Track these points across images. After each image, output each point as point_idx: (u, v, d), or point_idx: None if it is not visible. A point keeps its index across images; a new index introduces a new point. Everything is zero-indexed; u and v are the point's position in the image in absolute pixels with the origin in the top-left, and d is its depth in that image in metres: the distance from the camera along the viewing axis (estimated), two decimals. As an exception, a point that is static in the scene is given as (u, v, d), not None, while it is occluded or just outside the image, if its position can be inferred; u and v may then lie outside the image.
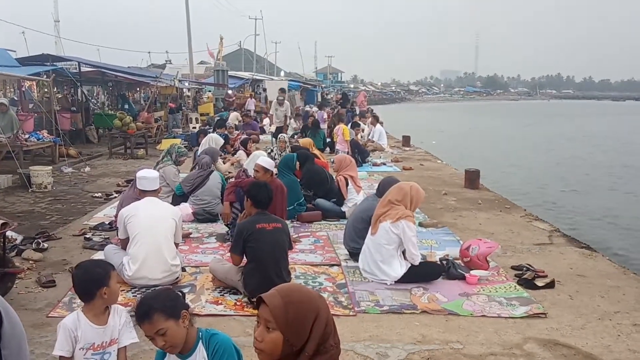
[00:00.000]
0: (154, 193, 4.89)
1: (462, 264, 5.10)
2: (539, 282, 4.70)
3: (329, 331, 1.71)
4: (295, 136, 15.07)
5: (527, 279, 4.77)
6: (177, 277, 4.72)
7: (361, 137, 14.88)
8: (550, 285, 4.68)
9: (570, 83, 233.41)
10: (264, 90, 30.32)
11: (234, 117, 17.28)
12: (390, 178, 5.58)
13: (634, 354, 3.52)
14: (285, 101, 18.57)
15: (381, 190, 5.23)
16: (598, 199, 13.46)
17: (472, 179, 9.57)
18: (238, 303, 4.33)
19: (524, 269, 5.04)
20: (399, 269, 4.74)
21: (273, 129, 17.04)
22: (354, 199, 7.11)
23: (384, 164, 12.40)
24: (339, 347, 1.75)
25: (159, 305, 2.31)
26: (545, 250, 5.84)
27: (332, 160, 8.85)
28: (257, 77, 36.13)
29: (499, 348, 3.62)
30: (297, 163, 7.29)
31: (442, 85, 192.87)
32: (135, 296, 4.39)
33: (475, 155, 21.56)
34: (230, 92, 25.36)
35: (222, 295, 4.51)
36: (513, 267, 5.15)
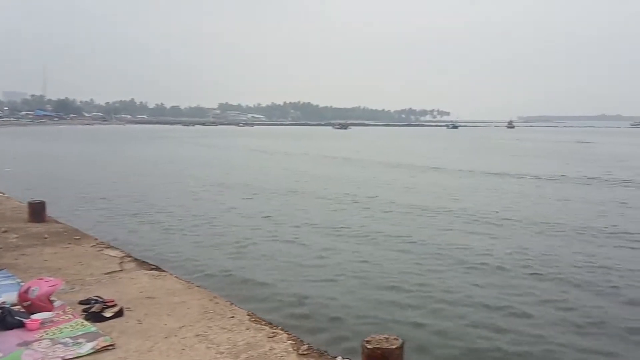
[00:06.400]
0: None
1: (23, 309, 4.51)
2: (108, 313, 4.57)
3: None
4: None
5: (95, 312, 4.57)
6: None
7: None
8: (119, 313, 4.61)
9: (144, 108, 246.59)
10: None
11: None
12: None
13: (193, 365, 3.76)
14: None
15: None
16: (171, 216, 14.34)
17: (37, 211, 8.72)
18: None
19: (93, 302, 4.81)
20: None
21: None
22: None
23: None
24: None
25: None
26: (115, 278, 5.75)
27: None
28: None
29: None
30: None
31: (6, 108, 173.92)
32: None
33: (47, 184, 20.09)
34: None
35: None
36: (81, 302, 4.85)
